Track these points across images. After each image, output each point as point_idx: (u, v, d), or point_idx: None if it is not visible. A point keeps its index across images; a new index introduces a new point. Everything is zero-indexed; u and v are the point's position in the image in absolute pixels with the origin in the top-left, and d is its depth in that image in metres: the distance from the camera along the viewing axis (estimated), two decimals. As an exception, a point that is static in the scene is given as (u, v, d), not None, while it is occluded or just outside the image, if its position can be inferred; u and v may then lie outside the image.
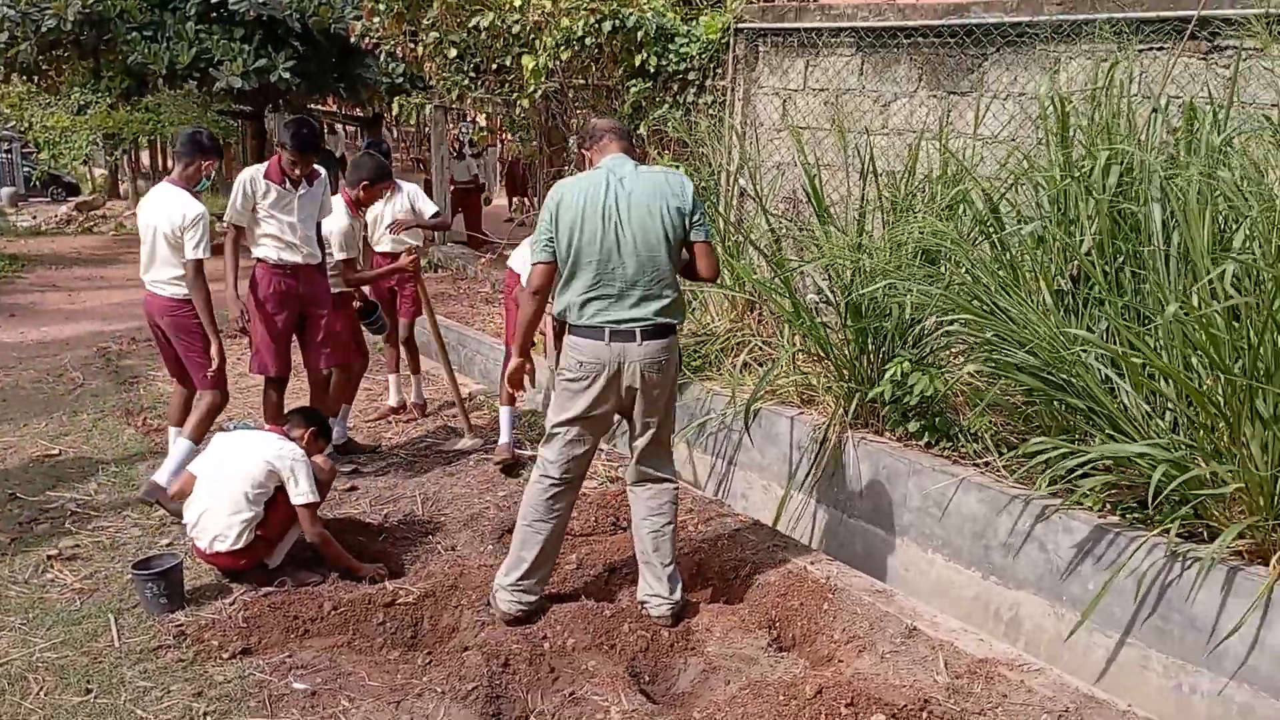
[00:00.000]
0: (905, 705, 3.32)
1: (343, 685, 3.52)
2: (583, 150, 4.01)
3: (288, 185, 5.11)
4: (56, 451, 5.82)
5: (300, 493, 4.19)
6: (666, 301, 3.77)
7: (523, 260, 5.79)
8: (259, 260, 5.20)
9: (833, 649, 3.96)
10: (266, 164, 5.20)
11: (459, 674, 3.58)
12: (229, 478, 4.18)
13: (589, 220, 3.67)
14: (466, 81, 8.34)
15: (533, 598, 3.97)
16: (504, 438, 5.91)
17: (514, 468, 5.77)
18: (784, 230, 6.06)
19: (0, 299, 9.83)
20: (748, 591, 4.40)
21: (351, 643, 3.88)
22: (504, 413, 5.92)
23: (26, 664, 3.59)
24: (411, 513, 5.14)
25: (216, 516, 4.11)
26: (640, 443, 3.98)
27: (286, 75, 11.00)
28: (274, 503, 4.21)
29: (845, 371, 4.93)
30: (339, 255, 5.59)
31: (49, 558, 4.42)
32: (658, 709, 3.48)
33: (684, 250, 3.86)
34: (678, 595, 4.02)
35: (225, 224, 5.20)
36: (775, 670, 3.68)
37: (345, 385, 5.91)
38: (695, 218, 3.79)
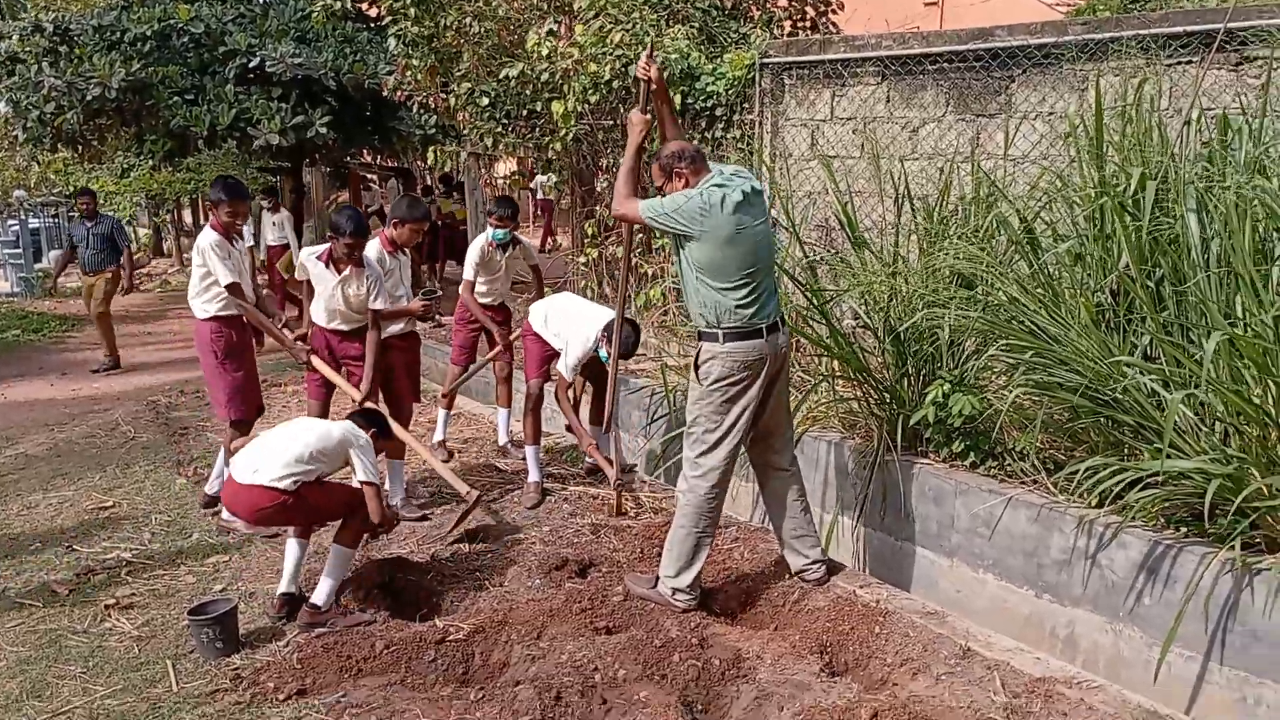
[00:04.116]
0: (964, 727, 3.28)
1: (398, 723, 3.55)
2: (676, 172, 4.19)
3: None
4: (110, 504, 5.93)
5: (366, 472, 4.32)
6: (776, 293, 4.27)
7: (549, 325, 5.90)
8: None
9: (886, 672, 3.92)
10: (321, 248, 5.46)
11: (512, 708, 3.59)
12: (302, 431, 4.32)
13: (744, 235, 4.02)
14: (499, 129, 8.49)
15: (698, 591, 4.42)
16: (533, 475, 5.96)
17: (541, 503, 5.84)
18: (818, 258, 6.08)
19: (52, 358, 10.07)
20: (798, 617, 4.38)
21: (404, 680, 3.91)
22: (530, 452, 5.98)
23: (88, 712, 3.65)
24: (458, 550, 5.17)
25: (273, 454, 4.18)
26: (777, 431, 4.44)
27: (324, 130, 11.26)
28: (317, 486, 4.28)
29: (887, 395, 4.92)
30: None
31: (107, 607, 4.50)
32: (712, 739, 3.46)
33: None
34: (825, 556, 4.58)
35: None
36: (829, 695, 3.65)
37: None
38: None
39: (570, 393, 5.89)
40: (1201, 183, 3.91)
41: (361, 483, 4.33)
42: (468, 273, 6.57)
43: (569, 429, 5.96)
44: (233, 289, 5.40)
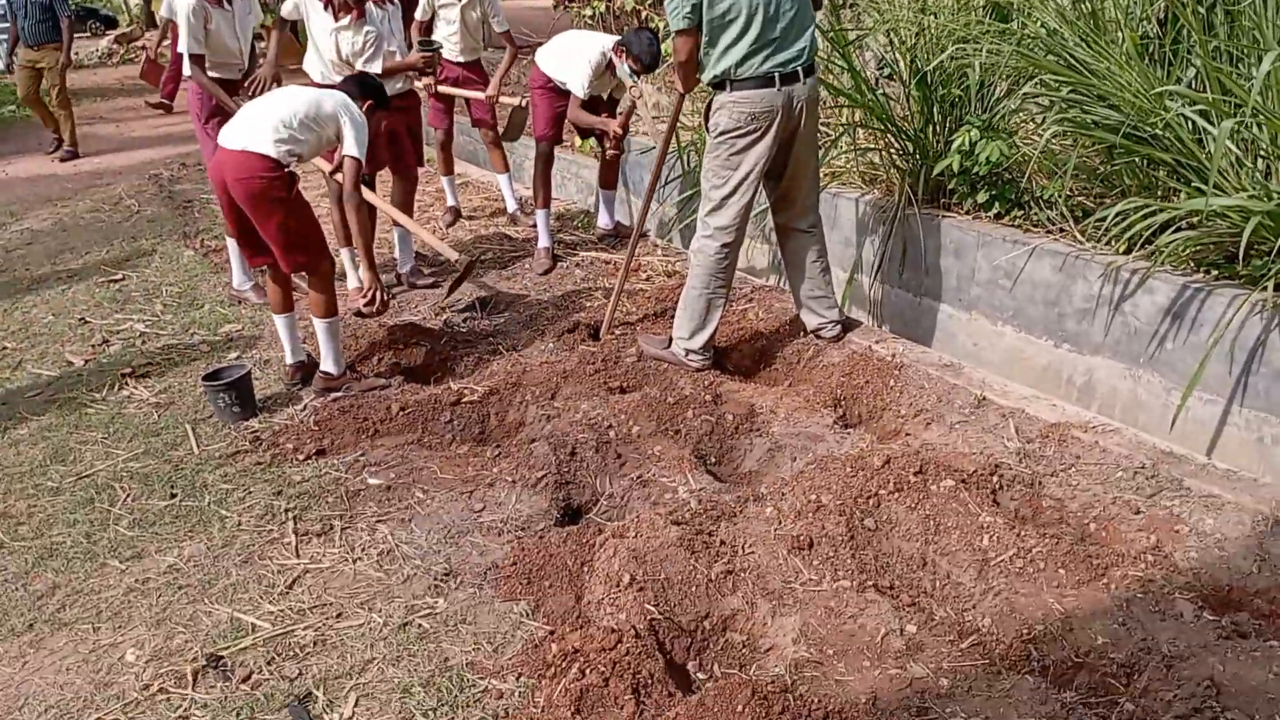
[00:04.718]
0: (975, 471, 3.29)
1: (415, 479, 3.61)
2: None
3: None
4: (120, 276, 5.89)
5: (353, 145, 4.05)
6: (811, 32, 3.91)
7: (554, 60, 5.54)
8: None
9: (900, 423, 3.92)
10: None
11: (528, 464, 3.63)
12: (291, 98, 4.05)
13: None
14: None
15: (711, 352, 4.35)
16: (543, 241, 5.83)
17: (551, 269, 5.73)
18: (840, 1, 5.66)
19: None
20: (812, 373, 4.36)
21: (421, 440, 3.95)
22: (540, 216, 5.81)
23: (112, 473, 3.73)
24: (470, 316, 5.13)
25: (263, 120, 3.93)
26: (799, 192, 4.22)
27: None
28: (301, 205, 4.08)
29: (910, 145, 4.67)
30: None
31: (123, 375, 4.52)
32: (724, 486, 3.51)
33: None
34: (842, 315, 4.49)
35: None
36: (842, 446, 3.66)
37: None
38: None
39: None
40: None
41: (346, 155, 4.06)
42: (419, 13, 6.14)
43: (596, 135, 5.80)
44: (193, 59, 5.06)
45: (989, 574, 2.91)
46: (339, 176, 4.24)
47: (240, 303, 5.34)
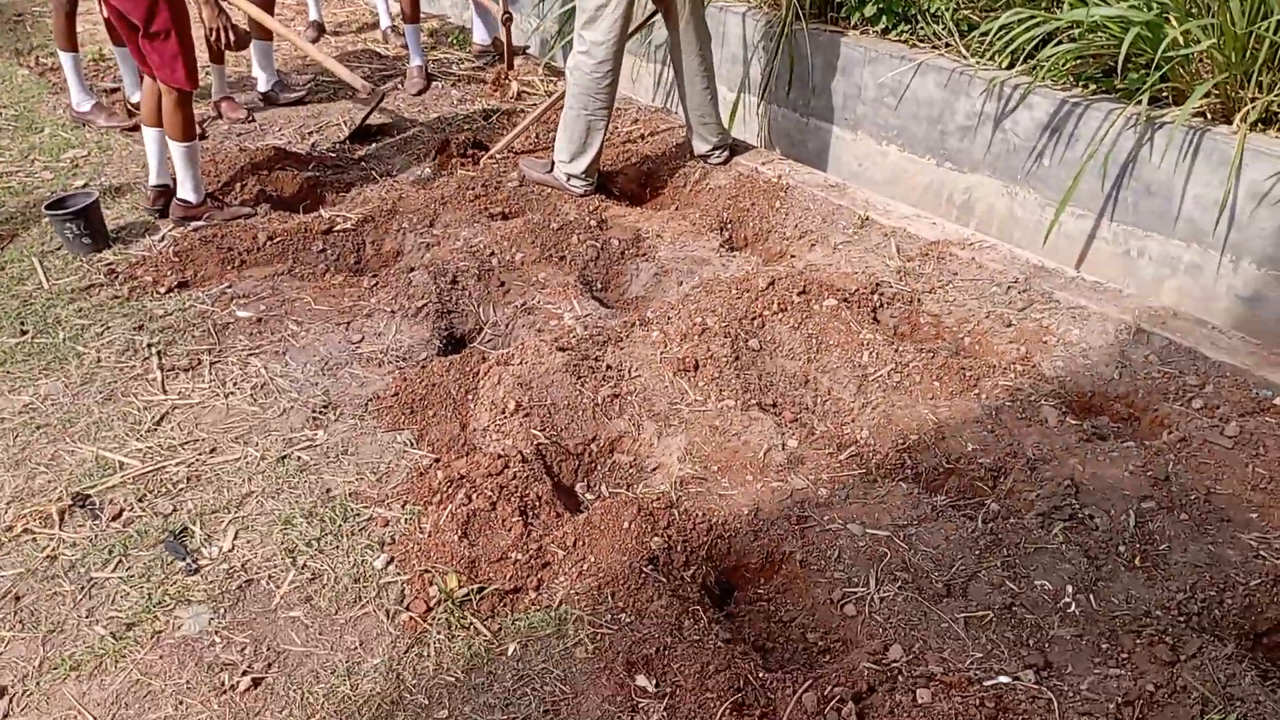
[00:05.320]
0: (857, 290, 3.32)
1: (288, 311, 3.45)
2: None
3: None
4: (-56, 100, 5.34)
5: None
6: None
7: None
8: None
9: (785, 246, 3.92)
10: None
11: (407, 294, 3.51)
12: None
13: None
14: None
15: (595, 176, 4.21)
16: (416, 59, 5.50)
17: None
18: None
19: None
20: (698, 197, 4.29)
21: (292, 271, 3.76)
22: (410, 32, 5.45)
23: (-47, 312, 3.45)
24: (340, 140, 4.84)
25: None
26: (682, 6, 4.00)
27: None
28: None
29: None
30: None
31: (-44, 207, 4.14)
32: (610, 312, 3.47)
33: None
34: (729, 139, 4.40)
35: None
36: (728, 269, 3.65)
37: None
38: None
39: None
40: None
41: None
42: None
43: None
44: None
45: (868, 389, 2.98)
46: None
47: (84, 125, 4.92)
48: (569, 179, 4.17)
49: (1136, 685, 2.01)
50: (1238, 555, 2.30)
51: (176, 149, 3.89)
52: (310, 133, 4.90)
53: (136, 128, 4.66)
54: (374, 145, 4.78)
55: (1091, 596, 2.23)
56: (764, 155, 4.43)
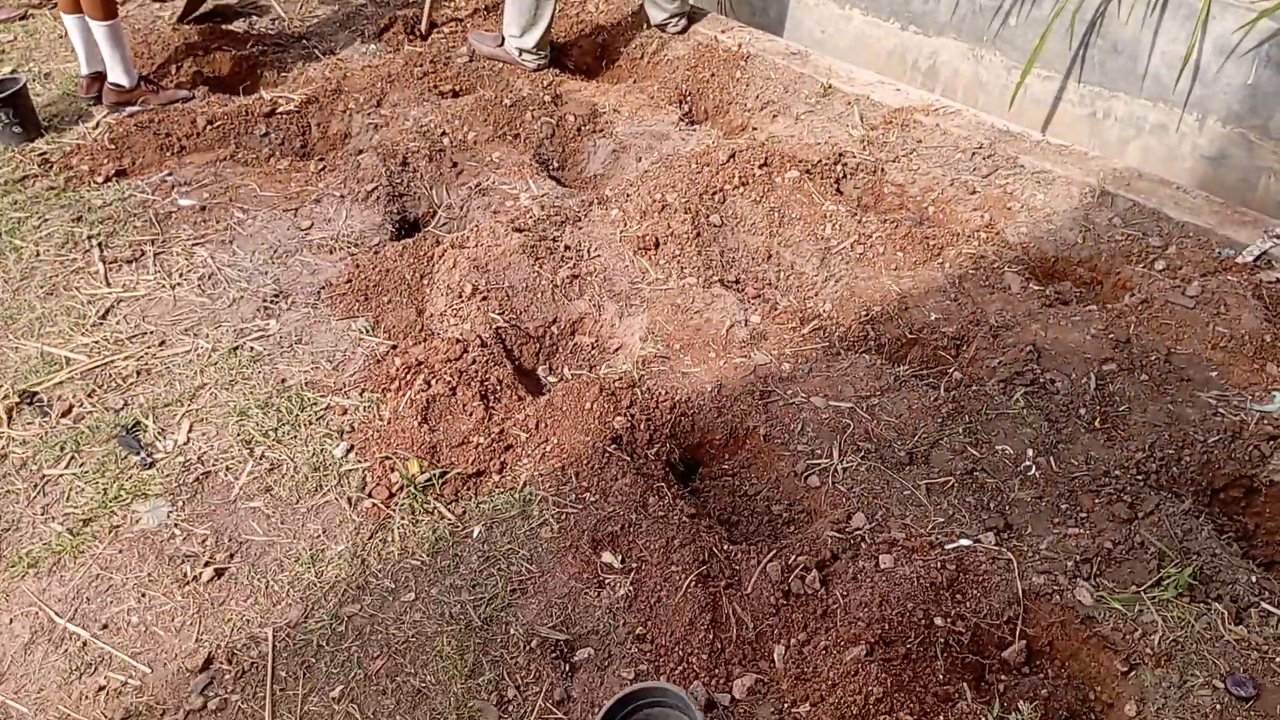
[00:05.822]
0: (819, 161, 3.24)
1: (233, 198, 3.33)
2: None
3: None
4: None
5: None
6: None
7: None
8: None
9: (746, 117, 3.81)
10: None
11: (356, 177, 3.39)
12: None
13: None
14: None
15: (548, 50, 4.07)
16: None
17: None
18: None
19: None
20: (656, 69, 4.15)
21: (235, 156, 3.61)
22: None
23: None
24: (279, 18, 4.60)
25: None
26: None
27: None
28: None
29: None
30: None
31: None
32: (568, 191, 3.37)
33: None
34: (687, 6, 4.24)
35: None
36: (687, 143, 3.54)
37: None
38: None
39: None
40: None
41: None
42: None
43: None
44: None
45: (831, 262, 2.94)
46: None
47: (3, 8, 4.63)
48: (520, 53, 4.01)
49: (1095, 543, 2.04)
50: (1196, 413, 2.32)
51: (99, 29, 3.67)
52: (249, 9, 4.64)
53: (26, 15, 4.41)
54: (315, 19, 4.54)
55: (1052, 459, 2.25)
56: (723, 23, 4.26)
